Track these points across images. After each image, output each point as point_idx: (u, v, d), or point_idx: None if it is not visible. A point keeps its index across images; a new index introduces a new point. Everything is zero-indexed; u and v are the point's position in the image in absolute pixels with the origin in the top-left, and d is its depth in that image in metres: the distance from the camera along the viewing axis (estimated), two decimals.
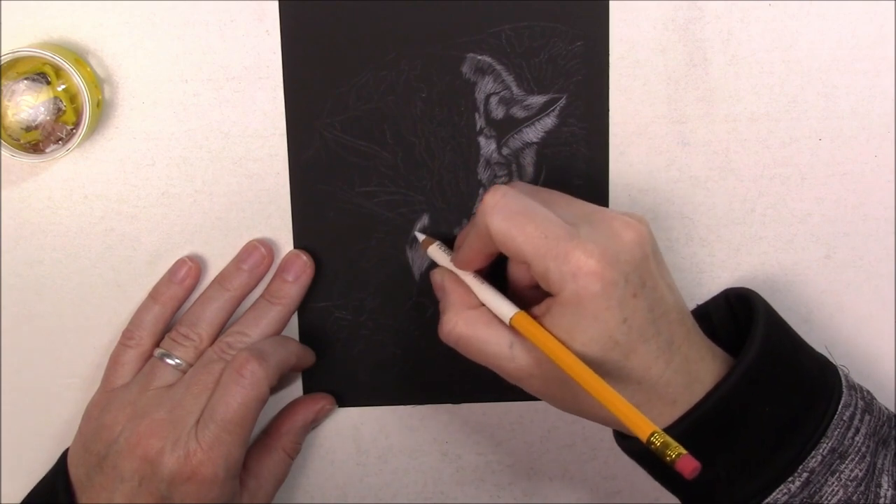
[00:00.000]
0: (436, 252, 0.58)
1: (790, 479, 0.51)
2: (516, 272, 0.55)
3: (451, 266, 0.56)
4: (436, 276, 0.57)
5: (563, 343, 0.50)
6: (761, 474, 0.51)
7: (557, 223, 0.50)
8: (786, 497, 0.51)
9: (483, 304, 0.54)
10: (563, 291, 0.50)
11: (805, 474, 0.51)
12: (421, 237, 0.60)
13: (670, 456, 0.45)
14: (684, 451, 0.45)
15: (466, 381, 0.63)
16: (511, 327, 0.52)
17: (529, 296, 0.54)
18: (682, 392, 0.51)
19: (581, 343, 0.50)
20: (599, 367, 0.50)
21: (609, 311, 0.49)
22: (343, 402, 0.63)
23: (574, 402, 0.53)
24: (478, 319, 0.53)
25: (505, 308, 0.53)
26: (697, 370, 0.52)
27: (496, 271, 0.56)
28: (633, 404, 0.51)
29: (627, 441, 0.55)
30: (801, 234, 0.61)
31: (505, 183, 0.59)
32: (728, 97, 0.59)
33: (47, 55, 0.55)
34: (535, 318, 0.52)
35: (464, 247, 0.55)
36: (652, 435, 0.46)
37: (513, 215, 0.51)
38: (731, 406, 0.51)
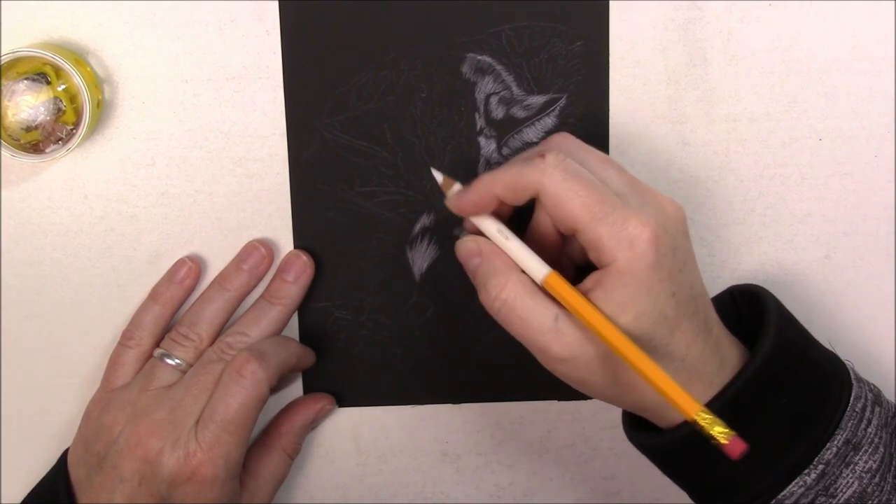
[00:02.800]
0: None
1: (806, 471, 0.51)
2: (544, 239, 0.54)
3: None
4: (468, 243, 0.53)
5: (611, 318, 0.49)
6: (778, 467, 0.51)
7: (610, 193, 0.50)
8: (801, 489, 0.51)
9: (526, 275, 0.51)
10: (616, 260, 0.49)
11: (821, 466, 0.51)
12: (440, 177, 0.55)
13: (720, 436, 0.44)
14: (733, 433, 0.44)
15: (466, 381, 0.63)
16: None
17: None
18: (717, 372, 0.51)
19: (634, 316, 0.49)
20: (648, 342, 0.49)
21: (661, 284, 0.49)
22: (343, 402, 0.63)
23: (612, 384, 0.51)
24: (524, 286, 0.51)
25: (536, 266, 0.51)
26: (726, 353, 0.52)
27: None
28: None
29: (639, 434, 0.54)
30: (801, 234, 0.61)
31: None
32: (728, 97, 0.59)
33: (47, 55, 0.55)
34: (583, 293, 0.50)
35: (486, 180, 0.52)
36: (698, 413, 0.45)
37: (572, 177, 0.50)
38: (750, 398, 0.51)
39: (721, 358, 0.52)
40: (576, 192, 0.49)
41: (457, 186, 0.54)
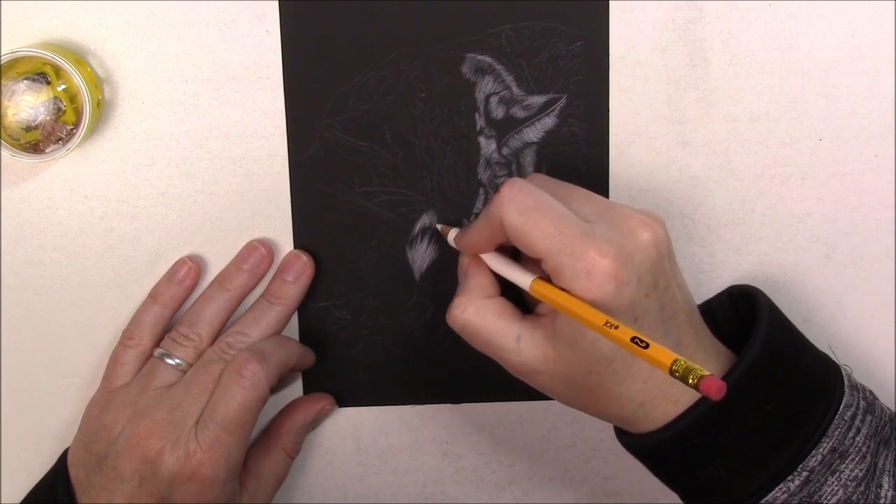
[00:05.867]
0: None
1: (790, 477, 0.51)
2: (527, 267, 0.55)
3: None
4: (463, 258, 0.57)
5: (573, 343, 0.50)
6: (761, 472, 0.51)
7: (573, 221, 0.50)
8: (785, 495, 0.51)
9: (498, 296, 0.54)
10: (574, 290, 0.50)
11: (805, 473, 0.51)
12: (440, 226, 0.60)
13: (693, 380, 0.44)
14: (707, 373, 0.43)
15: (466, 381, 0.63)
16: (522, 319, 0.53)
17: None
18: (686, 391, 0.52)
19: (590, 341, 0.50)
20: (608, 365, 0.51)
21: (620, 311, 0.49)
22: (343, 402, 0.63)
23: (577, 398, 0.53)
24: (488, 309, 0.54)
25: (522, 277, 0.53)
26: (706, 368, 0.52)
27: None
28: (638, 403, 0.52)
29: (628, 437, 0.55)
30: (801, 234, 0.61)
31: (521, 176, 0.59)
32: (728, 97, 0.59)
33: (47, 55, 0.55)
34: (544, 315, 0.52)
35: (470, 231, 0.55)
36: (674, 363, 0.45)
37: (528, 210, 0.50)
38: (731, 405, 0.51)
39: None
40: (533, 225, 0.50)
41: (453, 231, 0.58)
